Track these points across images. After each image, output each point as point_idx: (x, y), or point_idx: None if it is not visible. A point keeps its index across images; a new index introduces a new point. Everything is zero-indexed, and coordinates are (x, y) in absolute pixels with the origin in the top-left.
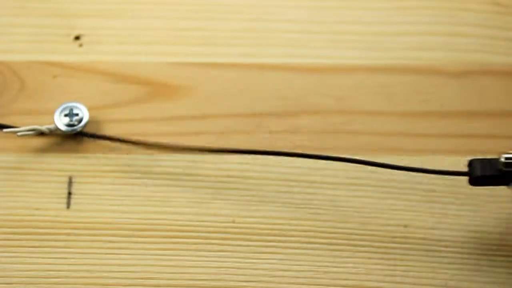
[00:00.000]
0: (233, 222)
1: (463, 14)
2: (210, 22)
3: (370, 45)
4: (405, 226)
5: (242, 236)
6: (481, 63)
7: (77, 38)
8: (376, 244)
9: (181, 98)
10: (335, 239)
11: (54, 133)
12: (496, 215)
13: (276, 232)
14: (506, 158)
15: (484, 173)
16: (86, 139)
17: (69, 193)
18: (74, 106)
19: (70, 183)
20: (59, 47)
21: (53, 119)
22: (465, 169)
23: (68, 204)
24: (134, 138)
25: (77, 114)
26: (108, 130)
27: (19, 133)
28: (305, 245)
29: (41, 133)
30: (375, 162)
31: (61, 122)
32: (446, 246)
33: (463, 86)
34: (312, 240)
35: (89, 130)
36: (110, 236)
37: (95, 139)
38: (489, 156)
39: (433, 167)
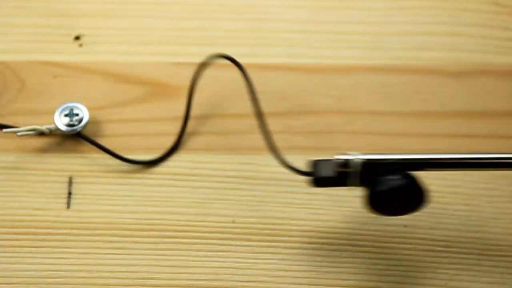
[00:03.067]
0: (233, 222)
1: (463, 14)
2: (210, 22)
3: (370, 45)
4: (405, 226)
5: (242, 236)
6: (481, 63)
7: (77, 38)
8: (376, 244)
9: (181, 98)
10: (335, 239)
11: (54, 133)
12: (496, 215)
13: (276, 232)
14: (340, 159)
15: (326, 174)
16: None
17: (69, 193)
18: (74, 106)
19: (70, 183)
20: (59, 47)
21: (53, 119)
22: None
23: (68, 204)
24: (133, 140)
25: (77, 114)
26: (108, 130)
27: (19, 133)
28: (305, 245)
29: (41, 133)
30: None
31: (61, 122)
32: (446, 246)
33: (463, 86)
34: (312, 240)
35: (89, 130)
36: (110, 236)
37: (91, 144)
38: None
39: None
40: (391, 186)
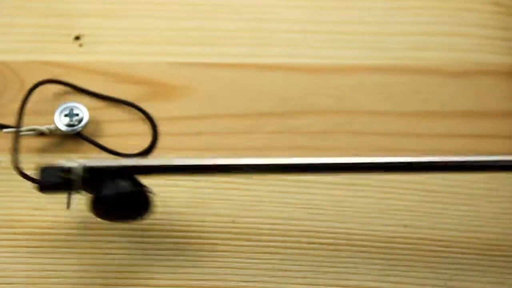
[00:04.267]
0: (233, 222)
1: (463, 14)
2: (210, 22)
3: (370, 45)
4: (405, 226)
5: (242, 236)
6: (481, 63)
7: (77, 38)
8: (376, 244)
9: (181, 98)
10: (335, 239)
11: (54, 133)
12: (496, 215)
13: (276, 232)
14: (62, 166)
15: (51, 181)
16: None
17: (69, 193)
18: (74, 106)
19: None
20: (59, 47)
21: (53, 119)
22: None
23: (68, 204)
24: (132, 139)
25: (77, 114)
26: (108, 130)
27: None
28: (305, 245)
29: (41, 133)
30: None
31: (61, 122)
32: (446, 246)
33: (463, 86)
34: (312, 240)
35: (89, 130)
36: (110, 236)
37: (90, 143)
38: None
39: None
40: (111, 193)
